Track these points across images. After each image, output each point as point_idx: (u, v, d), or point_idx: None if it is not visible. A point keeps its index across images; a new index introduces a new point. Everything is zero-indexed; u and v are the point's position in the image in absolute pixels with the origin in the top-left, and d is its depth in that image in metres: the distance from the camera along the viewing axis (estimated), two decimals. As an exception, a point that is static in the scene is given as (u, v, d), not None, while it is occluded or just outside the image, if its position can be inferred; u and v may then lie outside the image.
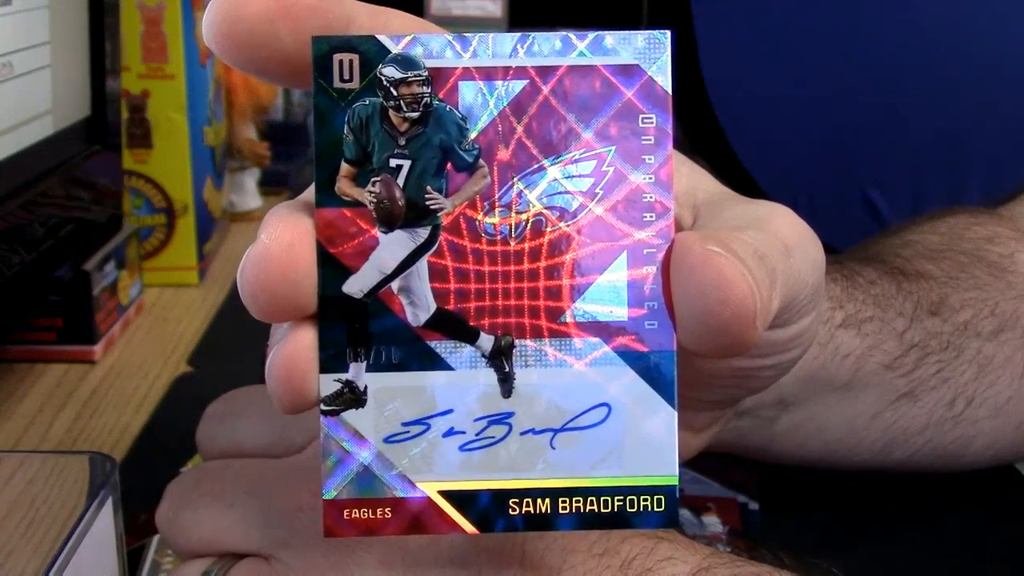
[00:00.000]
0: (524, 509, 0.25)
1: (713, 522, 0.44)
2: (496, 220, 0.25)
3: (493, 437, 0.25)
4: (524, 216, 0.25)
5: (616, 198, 0.25)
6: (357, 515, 0.25)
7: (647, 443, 0.25)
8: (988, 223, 0.48)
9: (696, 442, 0.35)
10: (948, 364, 0.43)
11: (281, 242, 0.24)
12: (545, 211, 0.25)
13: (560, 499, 0.25)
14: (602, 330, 0.25)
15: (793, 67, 0.94)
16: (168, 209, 0.75)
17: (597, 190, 0.25)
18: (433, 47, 0.25)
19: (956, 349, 0.43)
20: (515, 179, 0.25)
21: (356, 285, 0.25)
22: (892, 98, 0.92)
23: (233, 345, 0.63)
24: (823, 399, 0.41)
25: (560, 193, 0.25)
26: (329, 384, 0.25)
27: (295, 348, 0.25)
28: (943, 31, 0.91)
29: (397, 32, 0.25)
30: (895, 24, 0.92)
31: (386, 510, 0.25)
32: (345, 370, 0.25)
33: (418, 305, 0.25)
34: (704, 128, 0.97)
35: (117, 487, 0.31)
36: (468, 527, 0.25)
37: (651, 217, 0.25)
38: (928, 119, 0.92)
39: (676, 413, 0.25)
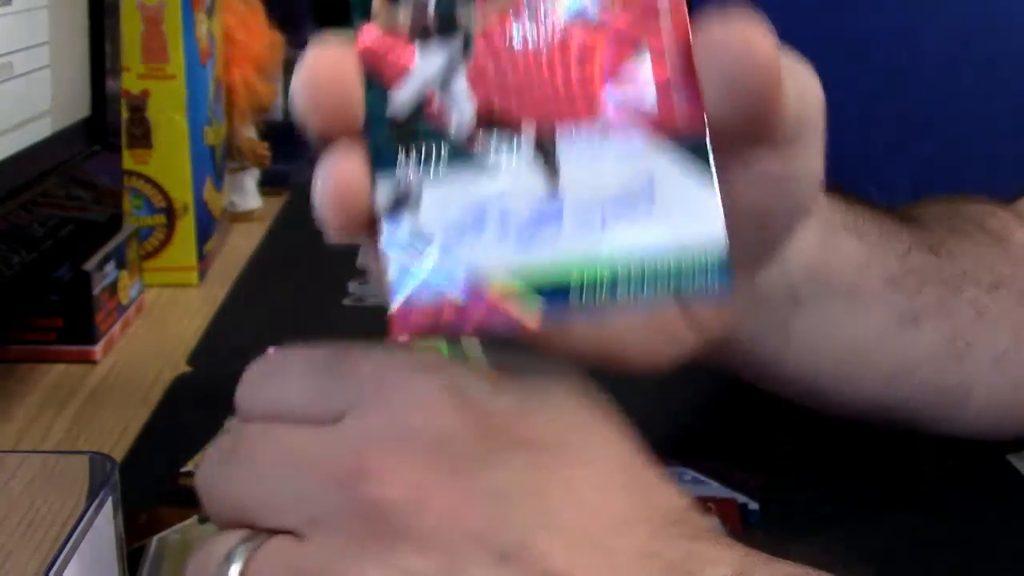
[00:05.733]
0: (584, 293, 0.26)
1: (713, 523, 0.44)
2: (526, 24, 0.26)
3: (545, 229, 0.26)
4: (553, 18, 0.26)
5: None
6: (422, 319, 0.26)
7: (692, 214, 0.26)
8: (991, 207, 0.49)
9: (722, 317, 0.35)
10: (948, 299, 0.43)
11: (327, 60, 0.26)
12: (571, 12, 0.26)
13: (617, 276, 0.26)
14: (638, 115, 0.26)
15: (793, 67, 0.94)
16: (168, 209, 0.75)
17: None
18: None
19: (954, 288, 0.43)
20: None
21: (399, 99, 0.26)
22: (892, 98, 0.92)
23: (233, 345, 0.63)
24: (831, 303, 0.41)
25: None
26: (383, 192, 0.26)
27: (347, 163, 0.26)
28: (943, 31, 0.91)
29: None
30: (895, 24, 0.92)
31: (449, 311, 0.26)
32: (396, 179, 0.26)
33: (459, 112, 0.26)
34: (704, 128, 0.97)
35: (117, 487, 0.31)
36: (530, 321, 0.26)
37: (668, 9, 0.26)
38: (928, 119, 0.92)
39: (716, 179, 0.26)
